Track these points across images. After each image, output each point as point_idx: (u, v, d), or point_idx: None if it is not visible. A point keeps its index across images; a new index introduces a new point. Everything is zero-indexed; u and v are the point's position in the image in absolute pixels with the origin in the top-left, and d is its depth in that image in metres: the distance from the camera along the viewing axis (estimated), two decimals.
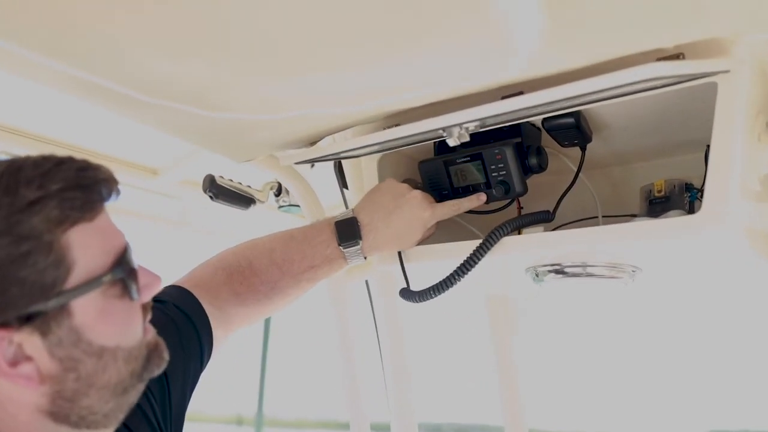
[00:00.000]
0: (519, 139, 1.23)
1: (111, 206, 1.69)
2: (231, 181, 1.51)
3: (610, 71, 0.89)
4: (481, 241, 1.14)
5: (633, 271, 1.20)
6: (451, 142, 1.03)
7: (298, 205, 1.66)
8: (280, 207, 1.67)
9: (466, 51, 0.84)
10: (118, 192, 0.80)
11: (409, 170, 1.37)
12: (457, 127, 1.00)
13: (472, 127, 1.01)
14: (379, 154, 1.31)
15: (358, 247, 1.18)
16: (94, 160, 1.54)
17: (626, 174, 1.45)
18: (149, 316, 0.85)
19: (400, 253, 1.27)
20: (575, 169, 1.28)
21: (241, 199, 1.52)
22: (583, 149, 1.26)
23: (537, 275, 1.23)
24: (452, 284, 1.13)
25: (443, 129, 1.01)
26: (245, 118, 0.99)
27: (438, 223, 1.26)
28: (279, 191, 1.63)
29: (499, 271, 1.32)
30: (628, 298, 1.69)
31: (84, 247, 0.75)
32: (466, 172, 1.25)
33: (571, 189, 1.32)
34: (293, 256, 1.19)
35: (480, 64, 0.88)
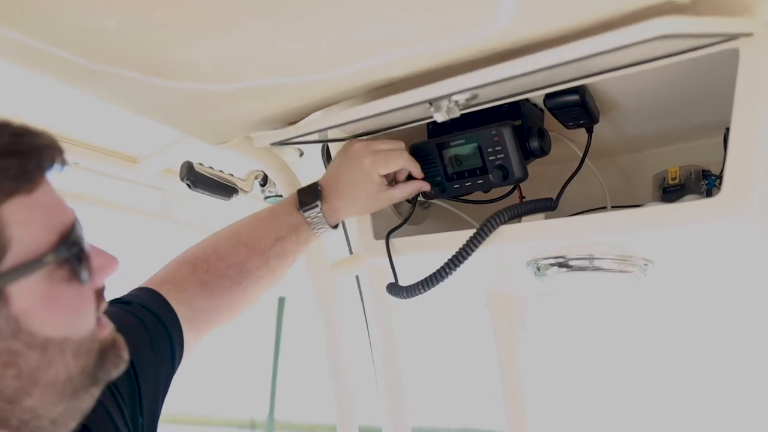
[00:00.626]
0: (519, 121, 1.12)
1: (89, 196, 1.60)
2: (211, 168, 1.41)
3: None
4: (475, 230, 1.03)
5: (645, 264, 1.09)
6: (439, 117, 0.92)
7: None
8: (266, 198, 1.57)
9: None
10: (63, 162, 0.69)
11: None
12: (446, 99, 0.89)
13: (462, 99, 0.90)
14: (369, 137, 1.21)
15: (317, 209, 1.10)
16: (68, 146, 1.46)
17: (637, 162, 1.35)
18: (104, 306, 0.74)
19: (388, 245, 1.16)
20: (581, 155, 1.17)
21: (223, 189, 1.42)
22: (590, 131, 1.15)
23: (538, 269, 1.13)
24: (443, 278, 1.03)
25: (430, 102, 0.90)
26: (199, 87, 0.88)
27: (432, 209, 1.16)
28: (265, 181, 1.53)
29: (496, 264, 1.22)
30: (640, 296, 1.58)
31: (21, 223, 0.64)
32: (460, 156, 1.14)
33: (578, 178, 1.24)
34: (259, 232, 1.12)
35: (457, 17, 0.76)
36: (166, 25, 0.75)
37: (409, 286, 1.07)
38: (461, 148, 1.14)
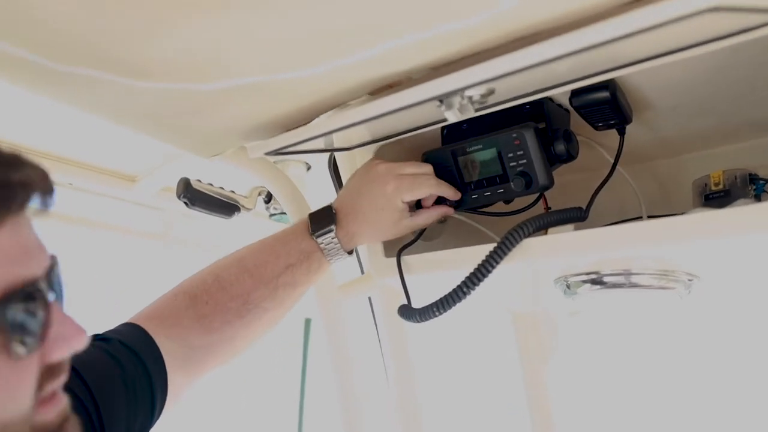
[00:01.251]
0: (543, 124, 1.01)
1: (85, 219, 1.51)
2: (211, 185, 1.31)
3: None
4: (495, 244, 0.91)
5: (689, 280, 0.97)
6: (452, 117, 0.81)
7: None
8: (272, 215, 1.47)
9: None
10: (47, 200, 0.55)
11: None
12: (458, 95, 0.78)
13: (476, 95, 0.79)
14: (375, 146, 1.11)
15: (332, 234, 1.00)
16: (61, 166, 1.36)
17: (675, 167, 1.24)
18: (59, 383, 0.58)
19: (399, 264, 1.05)
20: (612, 161, 1.05)
21: (223, 206, 1.32)
22: (622, 133, 1.04)
23: (568, 287, 1.01)
24: (460, 298, 0.91)
25: (440, 100, 0.79)
26: (179, 88, 0.77)
27: (449, 222, 1.05)
28: (269, 197, 1.43)
29: (521, 282, 1.10)
30: (684, 315, 1.45)
31: None
32: (478, 163, 1.03)
33: (609, 186, 1.14)
34: (266, 258, 1.00)
35: None
36: (132, 14, 0.65)
37: (423, 308, 0.95)
38: (479, 155, 1.03)
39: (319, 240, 1.00)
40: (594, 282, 0.98)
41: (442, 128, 1.11)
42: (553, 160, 1.01)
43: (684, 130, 1.12)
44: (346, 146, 1.08)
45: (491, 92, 0.81)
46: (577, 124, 1.05)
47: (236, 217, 1.41)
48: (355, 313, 1.20)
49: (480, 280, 0.90)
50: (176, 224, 1.57)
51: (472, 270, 0.90)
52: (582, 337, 1.60)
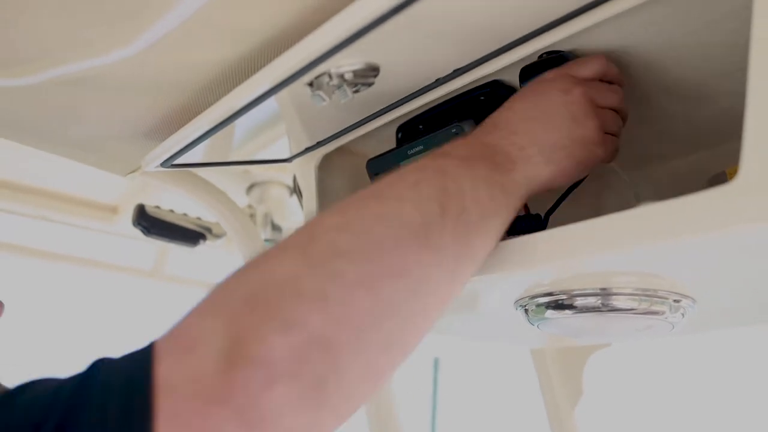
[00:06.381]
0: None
1: (62, 255, 1.43)
2: (172, 211, 1.20)
3: None
4: None
5: (675, 301, 0.76)
6: (327, 105, 0.66)
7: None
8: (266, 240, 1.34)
9: None
10: None
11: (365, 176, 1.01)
12: (324, 74, 0.62)
13: (348, 72, 0.63)
14: (317, 157, 0.96)
15: None
16: (30, 198, 1.29)
17: (696, 168, 1.02)
18: None
19: None
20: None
21: (185, 234, 1.20)
22: None
23: (527, 311, 0.82)
24: None
25: (310, 83, 0.64)
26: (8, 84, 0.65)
27: None
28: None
29: (467, 308, 0.91)
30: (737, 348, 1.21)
31: None
32: None
33: (616, 191, 0.96)
34: None
35: None
36: None
37: None
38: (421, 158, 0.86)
39: None
40: (559, 306, 0.79)
41: (398, 131, 0.96)
42: None
43: (693, 120, 0.92)
44: (280, 157, 0.94)
45: (374, 70, 0.65)
46: None
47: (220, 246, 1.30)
48: None
49: None
50: (170, 259, 1.47)
51: None
52: (615, 372, 1.37)
